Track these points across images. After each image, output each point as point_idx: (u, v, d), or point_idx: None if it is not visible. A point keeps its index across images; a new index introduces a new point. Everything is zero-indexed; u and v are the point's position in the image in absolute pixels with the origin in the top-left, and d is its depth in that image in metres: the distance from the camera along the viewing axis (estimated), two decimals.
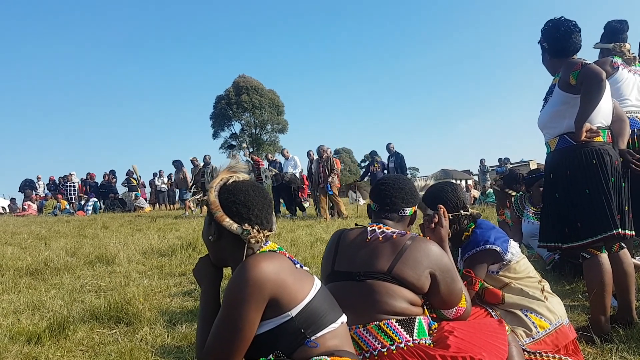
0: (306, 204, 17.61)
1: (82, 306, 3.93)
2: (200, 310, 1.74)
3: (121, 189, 20.51)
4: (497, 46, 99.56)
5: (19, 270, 5.44)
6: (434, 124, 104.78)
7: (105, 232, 9.64)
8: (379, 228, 2.03)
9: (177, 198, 17.84)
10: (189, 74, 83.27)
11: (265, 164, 14.52)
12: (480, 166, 21.64)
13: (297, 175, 13.40)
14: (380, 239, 1.99)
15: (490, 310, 2.50)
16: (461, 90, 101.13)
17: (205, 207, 1.77)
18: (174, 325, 3.45)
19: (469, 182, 27.01)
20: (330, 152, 12.76)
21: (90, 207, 18.49)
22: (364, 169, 16.29)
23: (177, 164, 16.65)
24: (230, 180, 1.72)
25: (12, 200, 23.75)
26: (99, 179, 21.45)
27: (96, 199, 19.58)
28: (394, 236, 1.99)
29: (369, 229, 2.05)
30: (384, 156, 14.21)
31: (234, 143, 15.62)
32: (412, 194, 2.17)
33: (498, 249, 2.53)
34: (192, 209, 15.08)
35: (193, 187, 15.79)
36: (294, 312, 1.55)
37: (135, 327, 3.42)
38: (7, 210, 22.40)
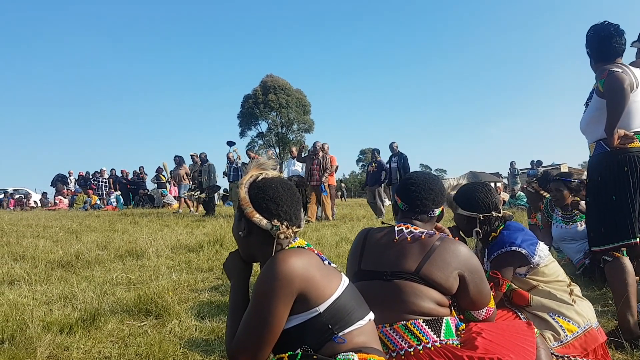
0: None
1: (112, 298, 4.02)
2: (230, 304, 1.78)
3: (150, 186, 20.87)
4: (530, 49, 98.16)
5: (51, 263, 5.58)
6: (464, 126, 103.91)
7: (135, 227, 9.81)
8: (407, 228, 2.03)
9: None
10: (218, 73, 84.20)
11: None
12: (510, 169, 21.37)
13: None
14: (409, 239, 1.99)
15: (519, 313, 2.48)
16: (494, 93, 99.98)
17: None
18: (202, 319, 3.51)
19: (498, 184, 26.62)
20: (327, 149, 12.30)
21: (113, 200, 18.94)
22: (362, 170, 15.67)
23: (179, 160, 16.72)
24: (260, 177, 1.75)
25: (44, 194, 24.37)
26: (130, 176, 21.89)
27: (118, 193, 20.01)
28: (423, 236, 1.98)
29: (396, 228, 2.05)
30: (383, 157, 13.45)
31: (233, 141, 15.62)
32: (442, 194, 2.17)
33: (524, 251, 2.50)
34: (191, 208, 15.19)
35: (190, 184, 15.85)
36: (321, 307, 1.56)
37: (164, 319, 3.49)
38: (40, 204, 22.98)
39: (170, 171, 17.96)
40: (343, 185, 22.76)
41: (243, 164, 13.88)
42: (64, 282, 4.68)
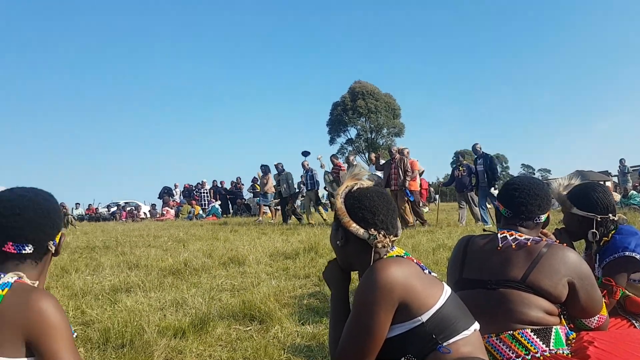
0: (425, 209, 17.15)
1: (219, 304, 4.23)
2: (331, 313, 1.82)
3: (247, 195, 21.69)
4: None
5: (162, 270, 5.96)
6: (568, 123, 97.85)
7: (235, 235, 10.23)
8: (511, 235, 1.97)
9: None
10: (306, 82, 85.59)
11: (346, 167, 14.00)
12: (619, 167, 19.94)
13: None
14: (514, 246, 1.93)
15: (634, 321, 2.32)
16: (601, 86, 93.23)
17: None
18: (302, 325, 3.61)
19: (608, 184, 24.85)
20: (408, 153, 11.84)
21: (212, 210, 19.89)
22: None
23: (264, 169, 17.01)
24: (355, 187, 1.78)
25: (153, 206, 26.04)
26: (227, 186, 22.87)
27: (218, 203, 20.93)
28: (528, 243, 1.92)
29: (499, 235, 1.99)
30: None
31: (308, 150, 15.68)
32: (547, 199, 2.08)
33: (638, 256, 2.34)
34: (272, 217, 15.37)
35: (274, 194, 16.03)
36: (424, 317, 1.55)
37: (267, 325, 3.63)
38: (149, 216, 24.57)
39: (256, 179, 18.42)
40: (432, 189, 22.13)
41: (326, 172, 13.93)
42: (175, 288, 4.99)
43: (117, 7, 77.54)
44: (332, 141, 55.97)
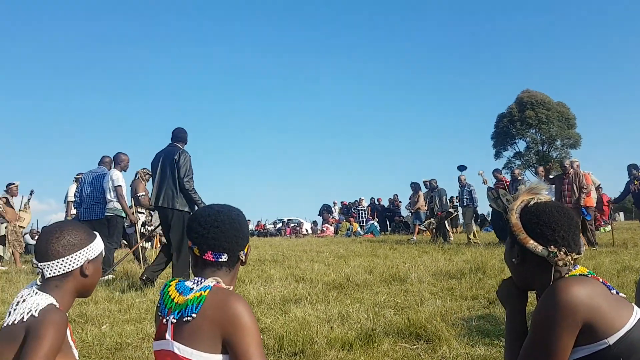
0: (607, 228, 15.47)
1: (384, 320, 4.25)
2: (507, 333, 1.75)
3: (405, 212, 21.59)
4: None
5: (327, 284, 6.15)
6: None
7: (394, 252, 10.23)
8: None
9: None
10: (466, 93, 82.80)
11: (510, 182, 13.04)
12: None
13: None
14: None
15: None
16: None
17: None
18: (472, 347, 3.48)
19: None
20: (578, 166, 10.79)
21: (369, 227, 20.10)
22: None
23: (414, 187, 16.52)
24: (532, 202, 1.70)
25: (314, 223, 27.15)
26: (385, 203, 23.01)
27: (376, 221, 21.07)
28: None
29: None
30: None
31: (464, 165, 14.89)
32: None
33: None
34: (430, 236, 14.76)
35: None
36: (611, 340, 1.44)
37: (434, 344, 3.56)
38: (310, 232, 25.66)
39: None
40: (612, 205, 19.96)
41: (489, 188, 13.21)
42: (339, 302, 5.11)
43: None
44: (497, 155, 52.98)
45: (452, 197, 16.13)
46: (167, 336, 1.51)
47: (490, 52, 77.06)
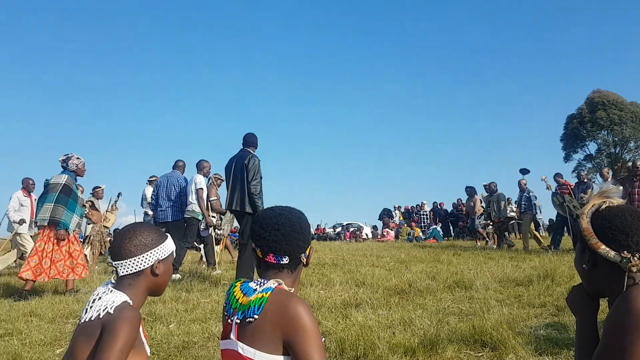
0: None
1: (447, 327, 4.15)
2: (577, 342, 1.69)
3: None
4: None
5: (388, 290, 6.10)
6: None
7: (458, 258, 10.01)
8: None
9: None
10: (535, 95, 79.81)
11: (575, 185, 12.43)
12: None
13: None
14: None
15: None
16: None
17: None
18: (540, 356, 3.37)
19: None
20: None
21: (431, 232, 19.72)
22: None
23: (469, 191, 16.01)
24: (604, 206, 1.62)
25: (374, 227, 27.02)
26: (448, 207, 22.58)
27: (439, 226, 20.68)
28: None
29: None
30: None
31: (527, 168, 14.22)
32: None
33: None
34: (488, 240, 14.26)
35: (482, 216, 15.02)
36: None
37: (500, 352, 3.46)
38: (370, 236, 25.56)
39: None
40: None
41: (554, 193, 12.63)
42: (401, 308, 5.05)
43: None
44: (567, 158, 50.77)
45: (508, 199, 15.53)
46: (232, 336, 1.55)
47: (559, 51, 74.29)
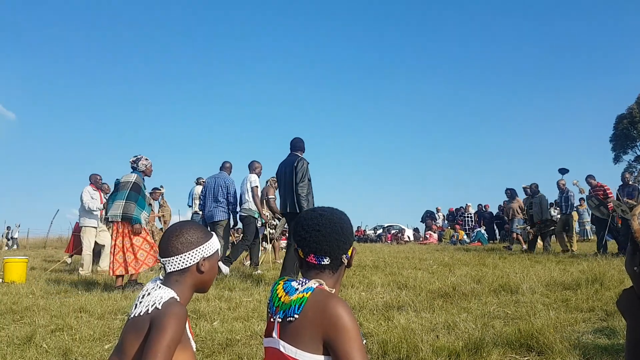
0: None
1: (492, 331, 4.07)
2: (627, 348, 1.61)
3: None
4: None
5: (431, 293, 6.02)
6: None
7: (504, 262, 9.79)
8: None
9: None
10: (583, 94, 77.22)
11: (613, 192, 11.84)
12: None
13: None
14: None
15: None
16: None
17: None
18: None
19: None
20: None
21: (476, 235, 19.33)
22: None
23: (510, 193, 15.55)
24: None
25: (416, 229, 26.72)
26: (493, 210, 22.10)
27: (483, 229, 20.25)
28: None
29: None
30: None
31: (566, 168, 13.64)
32: None
33: None
34: (523, 245, 13.77)
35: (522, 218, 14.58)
36: None
37: (547, 357, 3.38)
38: (412, 239, 25.28)
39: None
40: None
41: (588, 196, 12.17)
42: (444, 311, 4.97)
43: None
44: (616, 159, 48.79)
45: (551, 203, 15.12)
46: (274, 334, 1.56)
47: (608, 50, 71.71)
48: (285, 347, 1.51)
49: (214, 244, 1.80)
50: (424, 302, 5.41)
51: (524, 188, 14.64)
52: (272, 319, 1.61)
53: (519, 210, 15.06)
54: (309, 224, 1.67)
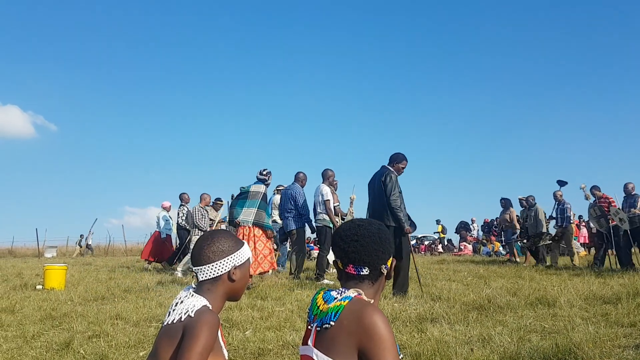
0: None
1: (529, 345, 3.97)
2: None
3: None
4: None
5: (466, 305, 5.91)
6: None
7: (541, 274, 9.57)
8: None
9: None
10: (620, 98, 74.79)
11: (618, 202, 11.42)
12: None
13: None
14: None
15: None
16: None
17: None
18: None
19: None
20: None
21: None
22: None
23: (505, 202, 15.06)
24: None
25: (449, 241, 26.35)
26: None
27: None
28: None
29: None
30: None
31: (565, 180, 13.12)
32: None
33: None
34: (516, 258, 13.36)
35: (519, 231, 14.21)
36: None
37: None
38: (445, 250, 24.93)
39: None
40: None
41: (591, 205, 11.72)
42: (479, 324, 4.88)
43: None
44: None
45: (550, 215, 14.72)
46: (310, 342, 1.56)
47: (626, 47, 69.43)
48: (318, 356, 1.51)
49: (245, 253, 1.82)
50: (458, 315, 5.32)
51: (520, 200, 14.26)
52: (309, 327, 1.62)
53: (509, 221, 14.73)
54: (347, 235, 1.68)
